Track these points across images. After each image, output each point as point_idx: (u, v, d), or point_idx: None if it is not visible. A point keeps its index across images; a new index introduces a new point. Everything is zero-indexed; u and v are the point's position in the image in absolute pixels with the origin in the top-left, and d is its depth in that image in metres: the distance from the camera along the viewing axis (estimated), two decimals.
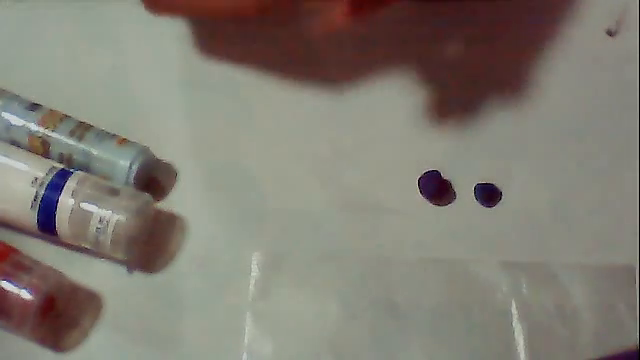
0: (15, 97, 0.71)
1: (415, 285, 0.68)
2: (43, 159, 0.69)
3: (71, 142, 0.69)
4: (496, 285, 0.68)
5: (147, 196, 0.68)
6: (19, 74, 0.75)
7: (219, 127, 0.74)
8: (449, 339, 0.66)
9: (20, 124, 0.70)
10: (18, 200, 0.66)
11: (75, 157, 0.69)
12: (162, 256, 0.69)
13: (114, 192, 0.66)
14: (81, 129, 0.70)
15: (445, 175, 0.71)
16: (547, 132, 0.74)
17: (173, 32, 0.77)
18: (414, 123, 0.74)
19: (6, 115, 0.70)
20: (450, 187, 0.72)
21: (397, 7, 0.68)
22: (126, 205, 0.66)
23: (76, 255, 0.68)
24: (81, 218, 0.65)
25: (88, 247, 0.67)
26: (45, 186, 0.66)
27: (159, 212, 0.70)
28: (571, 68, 0.76)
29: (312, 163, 0.73)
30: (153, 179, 0.71)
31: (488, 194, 0.71)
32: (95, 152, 0.69)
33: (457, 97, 0.75)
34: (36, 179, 0.66)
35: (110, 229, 0.65)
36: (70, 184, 0.66)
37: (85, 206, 0.65)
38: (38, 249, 0.67)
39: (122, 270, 0.68)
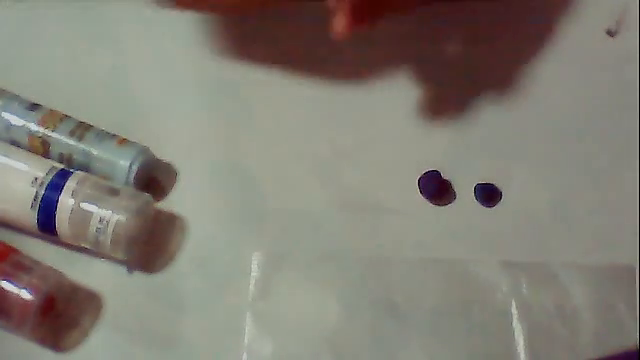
0: (15, 97, 0.71)
1: (415, 285, 0.68)
2: (43, 159, 0.69)
3: (71, 142, 0.69)
4: (496, 285, 0.68)
5: (147, 196, 0.68)
6: (19, 74, 0.75)
7: (219, 127, 0.74)
8: (449, 339, 0.66)
9: (20, 124, 0.70)
10: (18, 200, 0.66)
11: (75, 157, 0.69)
12: (162, 256, 0.69)
13: (114, 192, 0.66)
14: (81, 129, 0.70)
15: (445, 175, 0.71)
16: (547, 132, 0.74)
17: (173, 32, 0.77)
18: (414, 123, 0.74)
19: (6, 115, 0.70)
20: (450, 187, 0.72)
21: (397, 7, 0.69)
22: (126, 205, 0.66)
23: (76, 255, 0.68)
24: (81, 218, 0.65)
25: (88, 247, 0.67)
26: (45, 186, 0.66)
27: (159, 212, 0.70)
28: (571, 68, 0.76)
29: (312, 163, 0.73)
30: (153, 179, 0.71)
31: (488, 194, 0.71)
32: (95, 152, 0.69)
33: (457, 97, 0.75)
34: (36, 179, 0.66)
35: (110, 229, 0.65)
36: (70, 184, 0.66)
37: (85, 206, 0.65)
38: (38, 249, 0.67)
39: (122, 270, 0.68)
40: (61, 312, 0.66)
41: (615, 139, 0.74)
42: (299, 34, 0.76)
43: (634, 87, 0.75)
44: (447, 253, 0.69)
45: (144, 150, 0.70)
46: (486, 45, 0.76)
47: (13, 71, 0.75)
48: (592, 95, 0.75)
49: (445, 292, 0.68)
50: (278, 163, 0.72)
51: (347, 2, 0.63)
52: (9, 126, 0.70)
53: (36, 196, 0.66)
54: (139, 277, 0.68)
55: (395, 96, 0.75)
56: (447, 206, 0.71)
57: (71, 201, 0.65)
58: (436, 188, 0.71)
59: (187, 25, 0.77)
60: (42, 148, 0.69)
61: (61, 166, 0.68)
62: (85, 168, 0.69)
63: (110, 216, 0.65)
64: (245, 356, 0.65)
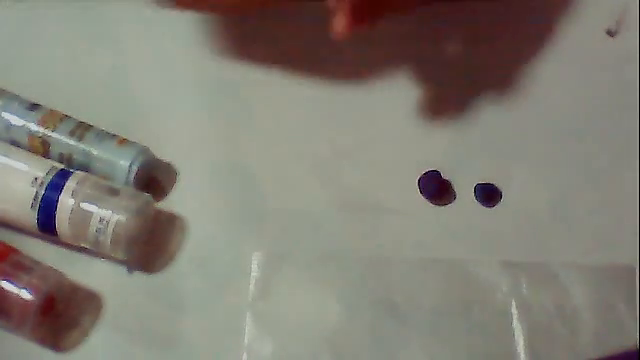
0: (15, 97, 0.71)
1: (415, 285, 0.68)
2: (43, 159, 0.69)
3: (71, 142, 0.69)
4: (496, 285, 0.68)
5: (147, 196, 0.68)
6: (19, 74, 0.75)
7: (219, 127, 0.74)
8: (449, 339, 0.66)
9: (20, 124, 0.70)
10: (18, 200, 0.66)
11: (75, 157, 0.69)
12: (162, 256, 0.69)
13: (114, 192, 0.66)
14: (81, 129, 0.70)
15: (445, 175, 0.71)
16: (547, 132, 0.74)
17: (173, 32, 0.77)
18: (414, 123, 0.74)
19: (6, 115, 0.70)
20: (450, 187, 0.72)
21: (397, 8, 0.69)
22: (126, 205, 0.66)
23: (76, 255, 0.68)
24: (81, 218, 0.65)
25: (88, 247, 0.67)
26: (45, 186, 0.66)
27: (159, 212, 0.70)
28: (571, 68, 0.76)
29: (312, 163, 0.73)
30: (153, 179, 0.71)
31: (488, 194, 0.71)
32: (95, 152, 0.69)
33: (457, 97, 0.75)
34: (36, 179, 0.66)
35: (110, 229, 0.65)
36: (70, 184, 0.66)
37: (85, 206, 0.65)
38: (38, 249, 0.67)
39: (122, 270, 0.68)
40: (61, 312, 0.66)
41: (615, 139, 0.74)
42: (299, 34, 0.76)
43: (634, 87, 0.75)
44: (447, 253, 0.69)
45: (144, 150, 0.70)
46: (486, 45, 0.76)
47: (13, 71, 0.75)
48: (592, 95, 0.75)
49: (445, 292, 0.68)
50: (278, 163, 0.72)
51: (347, 2, 0.63)
52: (9, 126, 0.70)
53: (36, 196, 0.66)
54: (139, 277, 0.68)
55: (395, 96, 0.75)
56: (447, 206, 0.71)
57: (71, 201, 0.65)
58: (436, 188, 0.71)
59: (187, 25, 0.77)
60: (42, 148, 0.69)
61: (61, 166, 0.68)
62: (85, 168, 0.69)
63: (110, 216, 0.65)
64: (245, 356, 0.65)
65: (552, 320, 0.67)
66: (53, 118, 0.70)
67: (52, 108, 0.71)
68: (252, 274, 0.68)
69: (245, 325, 0.66)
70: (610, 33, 0.78)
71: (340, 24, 0.63)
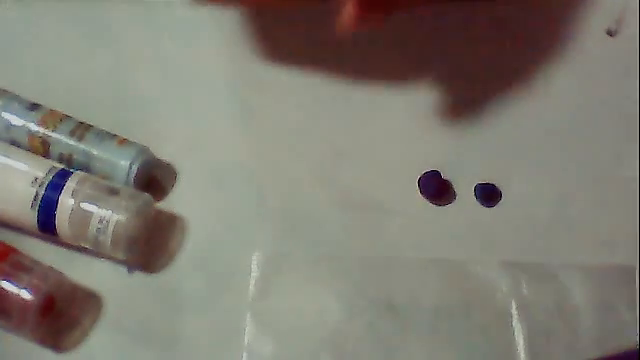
0: (15, 97, 0.71)
1: (415, 285, 0.68)
2: (43, 159, 0.69)
3: (71, 142, 0.69)
4: (496, 285, 0.68)
5: (147, 196, 0.68)
6: (19, 74, 0.75)
7: (219, 127, 0.74)
8: (449, 339, 0.66)
9: (20, 124, 0.70)
10: (18, 200, 0.66)
11: (75, 157, 0.69)
12: (162, 256, 0.69)
13: (114, 192, 0.66)
14: (81, 129, 0.70)
15: (445, 175, 0.71)
16: (547, 132, 0.74)
17: (173, 32, 0.77)
18: (414, 123, 0.74)
19: (6, 115, 0.70)
20: (450, 187, 0.72)
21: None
22: (126, 205, 0.66)
23: (76, 255, 0.68)
24: (81, 218, 0.65)
25: (88, 247, 0.67)
26: (45, 186, 0.66)
27: (159, 212, 0.70)
28: (571, 68, 0.76)
29: (312, 163, 0.72)
30: (153, 179, 0.71)
31: (488, 194, 0.71)
32: (95, 152, 0.69)
33: (457, 97, 0.75)
34: (36, 179, 0.66)
35: (110, 229, 0.65)
36: (70, 184, 0.66)
37: (85, 206, 0.65)
38: (38, 249, 0.67)
39: (122, 270, 0.68)
40: (61, 312, 0.66)
41: (615, 139, 0.74)
42: (299, 34, 0.76)
43: (634, 87, 0.75)
44: (447, 253, 0.69)
45: (144, 150, 0.70)
46: (486, 45, 0.77)
47: (13, 71, 0.75)
48: (592, 95, 0.75)
49: (445, 292, 0.67)
50: (278, 163, 0.72)
51: None
52: (9, 126, 0.70)
53: (36, 196, 0.66)
54: (139, 277, 0.68)
55: (395, 96, 0.75)
56: (447, 206, 0.71)
57: (71, 201, 0.65)
58: (436, 188, 0.71)
59: (187, 25, 0.77)
60: (42, 148, 0.69)
61: (61, 166, 0.68)
62: (85, 168, 0.69)
63: (110, 216, 0.65)
64: (245, 356, 0.65)
65: (552, 320, 0.67)
66: (53, 118, 0.70)
67: (52, 108, 0.71)
68: (252, 274, 0.68)
69: (245, 325, 0.66)
70: (610, 33, 0.78)
71: (348, 16, 0.63)
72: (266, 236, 0.70)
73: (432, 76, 0.76)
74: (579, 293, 0.67)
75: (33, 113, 0.70)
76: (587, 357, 0.65)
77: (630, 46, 0.77)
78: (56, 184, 0.66)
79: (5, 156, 0.68)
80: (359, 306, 0.67)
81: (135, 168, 0.68)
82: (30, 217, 0.66)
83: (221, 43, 0.77)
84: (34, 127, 0.69)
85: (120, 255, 0.66)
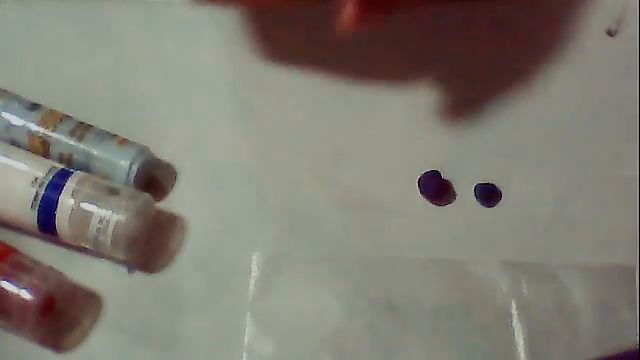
0: (15, 97, 0.71)
1: (415, 285, 0.68)
2: (43, 159, 0.69)
3: (71, 142, 0.69)
4: (496, 285, 0.68)
5: (147, 196, 0.68)
6: (19, 74, 0.75)
7: (219, 127, 0.74)
8: (449, 339, 0.66)
9: (20, 124, 0.70)
10: (18, 200, 0.66)
11: (75, 157, 0.69)
12: (162, 256, 0.69)
13: (114, 192, 0.66)
14: (81, 129, 0.70)
15: (445, 175, 0.71)
16: (547, 132, 0.74)
17: (173, 32, 0.77)
18: (414, 123, 0.74)
19: (6, 115, 0.70)
20: (450, 187, 0.72)
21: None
22: (126, 205, 0.66)
23: (76, 255, 0.68)
24: (81, 218, 0.65)
25: (88, 247, 0.67)
26: (45, 186, 0.66)
27: (159, 212, 0.70)
28: (571, 68, 0.76)
29: (312, 163, 0.73)
30: (153, 179, 0.71)
31: (488, 194, 0.71)
32: (95, 152, 0.69)
33: (457, 97, 0.75)
34: (36, 179, 0.66)
35: (110, 229, 0.65)
36: (70, 184, 0.66)
37: (85, 206, 0.65)
38: (38, 249, 0.67)
39: (122, 270, 0.68)
40: (61, 312, 0.66)
41: (615, 139, 0.74)
42: (299, 34, 0.76)
43: (634, 87, 0.75)
44: (447, 253, 0.69)
45: (144, 150, 0.70)
46: (486, 45, 0.77)
47: (13, 71, 0.75)
48: (592, 95, 0.75)
49: (445, 292, 0.67)
50: (278, 163, 0.72)
51: None
52: (9, 126, 0.70)
53: (36, 196, 0.66)
54: (139, 277, 0.68)
55: (395, 96, 0.75)
56: (447, 206, 0.71)
57: (71, 201, 0.65)
58: (436, 188, 0.71)
59: (187, 25, 0.77)
60: (42, 148, 0.69)
61: (61, 166, 0.68)
62: (85, 168, 0.69)
63: (110, 216, 0.65)
64: (245, 356, 0.65)
65: (552, 320, 0.67)
66: (53, 118, 0.70)
67: (52, 108, 0.71)
68: (252, 274, 0.68)
69: (245, 325, 0.66)
70: (610, 33, 0.78)
71: (348, 16, 0.63)
72: (266, 236, 0.70)
73: (432, 76, 0.76)
74: (579, 293, 0.67)
75: (33, 113, 0.70)
76: (587, 357, 0.65)
77: (630, 46, 0.77)
78: (56, 184, 0.66)
79: (5, 156, 0.68)
80: (359, 306, 0.67)
81: (135, 168, 0.68)
82: (30, 217, 0.66)
83: (221, 43, 0.77)
84: (34, 127, 0.69)
85: (120, 255, 0.66)
